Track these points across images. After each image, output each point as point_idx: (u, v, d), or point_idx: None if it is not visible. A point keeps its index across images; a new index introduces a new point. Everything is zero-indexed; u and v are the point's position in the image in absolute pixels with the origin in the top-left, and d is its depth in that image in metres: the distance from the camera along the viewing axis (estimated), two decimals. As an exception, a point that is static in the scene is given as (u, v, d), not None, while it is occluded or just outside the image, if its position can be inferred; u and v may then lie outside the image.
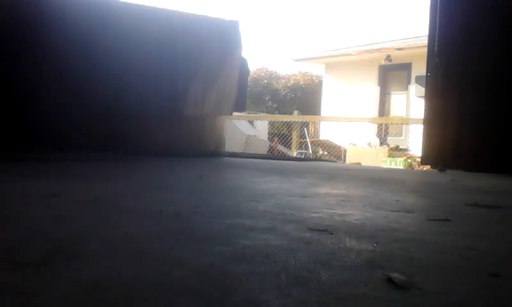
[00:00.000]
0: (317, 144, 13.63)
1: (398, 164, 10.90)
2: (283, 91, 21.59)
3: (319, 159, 11.08)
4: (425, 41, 6.43)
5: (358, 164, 10.41)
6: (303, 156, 12.57)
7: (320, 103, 16.69)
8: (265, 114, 18.99)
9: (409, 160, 10.86)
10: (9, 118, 4.95)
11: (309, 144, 13.08)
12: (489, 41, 5.69)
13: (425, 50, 6.31)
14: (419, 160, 8.11)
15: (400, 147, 13.14)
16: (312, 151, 13.11)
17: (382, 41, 15.26)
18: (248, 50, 35.13)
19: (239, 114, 10.64)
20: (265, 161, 6.81)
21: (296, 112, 13.81)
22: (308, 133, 13.11)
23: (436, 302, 1.02)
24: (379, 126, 14.29)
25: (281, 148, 13.57)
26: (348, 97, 15.02)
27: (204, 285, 1.05)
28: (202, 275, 1.12)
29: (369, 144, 13.06)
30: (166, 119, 5.88)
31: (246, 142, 13.34)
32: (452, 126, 5.91)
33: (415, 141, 12.15)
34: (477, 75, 5.76)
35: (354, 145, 13.08)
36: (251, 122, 14.94)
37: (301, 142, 14.02)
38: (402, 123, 13.66)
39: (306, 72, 21.99)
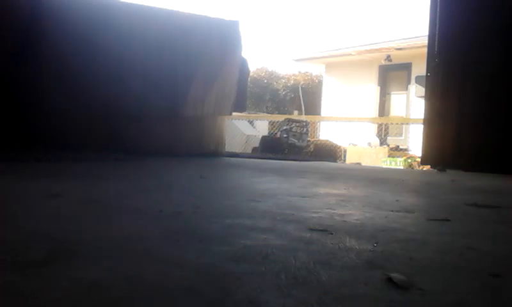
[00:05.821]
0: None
1: (398, 164, 10.91)
2: (283, 91, 21.58)
3: (319, 159, 11.07)
4: (425, 41, 6.44)
5: (358, 164, 10.42)
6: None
7: (320, 103, 16.70)
8: (265, 114, 18.99)
9: (409, 160, 10.87)
10: (9, 118, 4.95)
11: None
12: (489, 41, 5.69)
13: (425, 50, 6.32)
14: (419, 160, 8.12)
15: (401, 147, 13.14)
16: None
17: (382, 41, 15.28)
18: (248, 50, 35.10)
19: (239, 114, 10.64)
20: (265, 161, 6.81)
21: (296, 112, 13.80)
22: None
23: (436, 302, 1.02)
24: (379, 126, 14.29)
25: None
26: (348, 97, 15.02)
27: (204, 285, 1.05)
28: (202, 275, 1.12)
29: (369, 144, 13.06)
30: (166, 119, 5.88)
31: (246, 142, 13.34)
32: (452, 126, 5.91)
33: (415, 141, 12.15)
34: (477, 75, 5.76)
35: (354, 145, 13.08)
36: (251, 122, 14.95)
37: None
38: (402, 123, 13.67)
39: (306, 72, 21.98)
